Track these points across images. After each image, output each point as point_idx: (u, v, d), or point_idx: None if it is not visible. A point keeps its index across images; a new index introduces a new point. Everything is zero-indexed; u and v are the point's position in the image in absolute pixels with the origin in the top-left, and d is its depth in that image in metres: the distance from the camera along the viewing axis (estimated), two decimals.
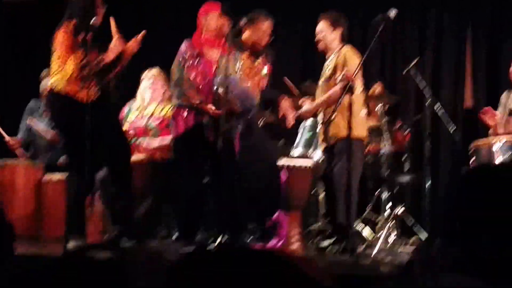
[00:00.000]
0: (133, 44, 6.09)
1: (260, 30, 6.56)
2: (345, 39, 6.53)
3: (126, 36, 6.10)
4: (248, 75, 6.52)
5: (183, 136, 6.24)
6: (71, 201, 6.30)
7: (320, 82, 6.59)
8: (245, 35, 6.59)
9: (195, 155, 6.23)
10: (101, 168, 6.38)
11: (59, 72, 5.93)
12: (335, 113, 5.95)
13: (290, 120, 6.60)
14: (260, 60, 6.64)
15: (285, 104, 6.61)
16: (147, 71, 7.10)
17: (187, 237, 6.26)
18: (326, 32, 6.45)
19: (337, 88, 6.28)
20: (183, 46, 6.28)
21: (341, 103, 5.91)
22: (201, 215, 6.39)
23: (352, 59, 6.30)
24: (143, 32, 6.14)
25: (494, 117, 6.71)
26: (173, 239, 6.55)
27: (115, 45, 6.02)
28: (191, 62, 6.20)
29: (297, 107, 6.69)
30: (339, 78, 6.29)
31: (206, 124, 6.14)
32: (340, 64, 6.35)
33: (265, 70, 6.67)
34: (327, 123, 6.40)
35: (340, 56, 6.38)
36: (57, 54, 5.98)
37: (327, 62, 6.54)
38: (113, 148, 6.13)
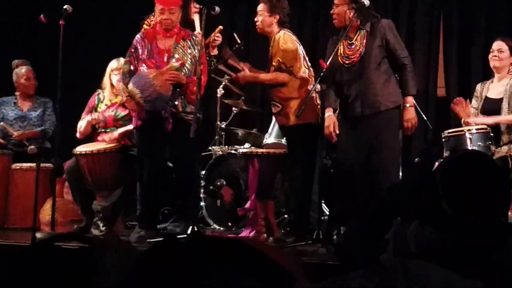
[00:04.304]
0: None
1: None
2: (285, 25, 6.46)
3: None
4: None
5: (141, 127, 6.28)
6: None
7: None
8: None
9: (154, 145, 6.22)
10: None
11: None
12: (301, 110, 5.97)
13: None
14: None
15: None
16: (114, 61, 7.03)
17: (147, 225, 6.26)
18: (263, 15, 6.42)
19: (271, 75, 6.38)
20: (135, 39, 6.29)
21: (309, 96, 5.96)
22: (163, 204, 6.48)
23: (285, 44, 6.30)
24: (219, 27, 6.48)
25: (466, 108, 6.71)
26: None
27: None
28: (140, 53, 6.18)
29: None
30: (274, 64, 6.32)
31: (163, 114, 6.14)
32: (273, 52, 6.35)
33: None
34: (277, 114, 6.47)
35: (274, 43, 6.37)
36: None
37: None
38: None
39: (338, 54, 6.06)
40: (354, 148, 6.01)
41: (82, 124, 7.00)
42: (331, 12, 6.10)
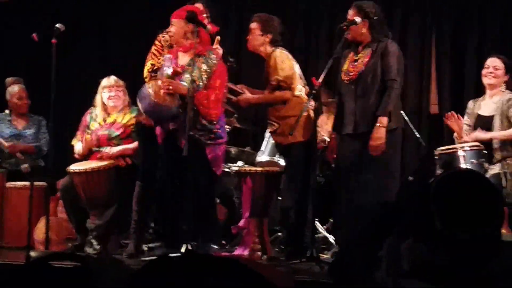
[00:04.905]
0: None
1: None
2: (277, 44, 6.45)
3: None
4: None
5: (161, 145, 6.23)
6: None
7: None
8: None
9: (170, 163, 6.16)
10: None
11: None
12: (294, 128, 5.97)
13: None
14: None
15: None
16: (105, 79, 7.03)
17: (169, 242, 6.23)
18: (255, 34, 6.41)
19: (275, 93, 6.34)
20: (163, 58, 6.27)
21: (301, 115, 5.95)
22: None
23: (283, 63, 6.30)
24: (217, 38, 6.36)
25: (458, 121, 6.73)
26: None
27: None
28: (164, 67, 6.16)
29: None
30: (273, 83, 6.31)
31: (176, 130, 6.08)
32: (272, 69, 6.33)
33: None
34: (273, 133, 6.47)
35: (270, 61, 6.36)
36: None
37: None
38: None
39: (342, 70, 6.08)
40: (348, 165, 6.01)
41: (78, 147, 7.00)
42: (343, 25, 6.05)
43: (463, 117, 6.82)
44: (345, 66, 6.09)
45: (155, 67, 6.32)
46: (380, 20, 6.06)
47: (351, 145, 6.02)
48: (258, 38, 6.41)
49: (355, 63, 6.03)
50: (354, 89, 6.00)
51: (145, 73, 6.40)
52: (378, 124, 5.87)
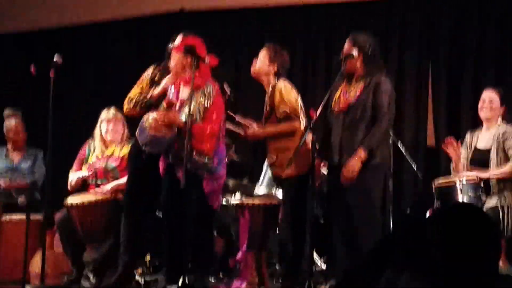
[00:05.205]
0: None
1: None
2: (282, 74, 6.45)
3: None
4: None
5: (163, 178, 6.17)
6: None
7: (263, 119, 6.52)
8: None
9: (171, 195, 6.12)
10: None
11: None
12: (291, 160, 5.95)
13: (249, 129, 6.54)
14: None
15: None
16: (105, 111, 7.04)
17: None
18: (263, 63, 6.42)
19: (281, 125, 6.31)
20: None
21: (300, 146, 5.90)
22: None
23: (289, 94, 6.30)
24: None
25: (457, 150, 6.70)
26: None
27: (165, 82, 6.18)
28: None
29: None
30: (280, 115, 6.29)
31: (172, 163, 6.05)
32: (277, 103, 6.32)
33: None
34: (272, 166, 6.44)
35: (275, 94, 6.34)
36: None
37: (266, 98, 6.50)
38: None
39: (334, 99, 6.05)
40: (336, 197, 5.98)
41: (73, 179, 6.99)
42: (341, 58, 6.04)
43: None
44: (336, 96, 6.07)
45: (130, 99, 6.28)
46: (375, 54, 6.04)
47: (337, 175, 5.96)
48: (264, 66, 6.41)
49: (347, 95, 6.01)
50: (342, 120, 5.97)
51: (125, 105, 6.37)
52: (355, 155, 5.77)
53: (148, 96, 6.19)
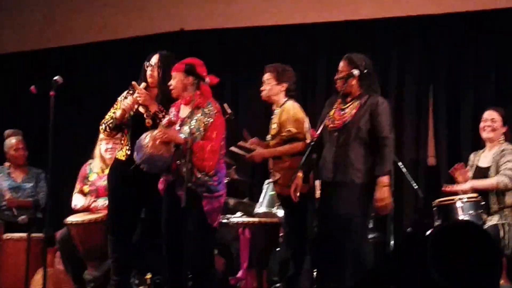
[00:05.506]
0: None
1: None
2: (291, 93, 6.49)
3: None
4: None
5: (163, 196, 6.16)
6: None
7: (268, 138, 6.54)
8: None
9: (170, 214, 6.11)
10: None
11: None
12: (292, 179, 5.95)
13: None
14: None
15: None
16: None
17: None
18: (271, 84, 6.46)
19: (287, 146, 6.32)
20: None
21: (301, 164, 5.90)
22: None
23: (296, 115, 6.32)
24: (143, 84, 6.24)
25: (465, 174, 6.72)
26: None
27: (125, 104, 6.17)
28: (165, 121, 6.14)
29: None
30: (286, 134, 6.31)
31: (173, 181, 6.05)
32: (284, 122, 6.34)
33: None
34: (275, 183, 6.45)
35: (283, 113, 6.38)
36: None
37: (272, 116, 6.52)
38: None
39: (328, 115, 6.05)
40: (326, 214, 5.97)
41: (77, 204, 7.01)
42: (335, 77, 6.08)
43: None
44: (331, 113, 6.07)
45: (102, 122, 6.28)
46: (370, 73, 6.05)
47: (329, 192, 5.96)
48: (274, 88, 6.45)
49: (342, 112, 6.02)
50: (336, 137, 5.97)
51: (100, 127, 6.34)
52: (379, 185, 5.77)
53: (113, 119, 6.21)
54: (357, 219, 5.80)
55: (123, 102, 6.19)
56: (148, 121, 6.14)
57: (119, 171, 6.18)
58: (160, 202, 5.99)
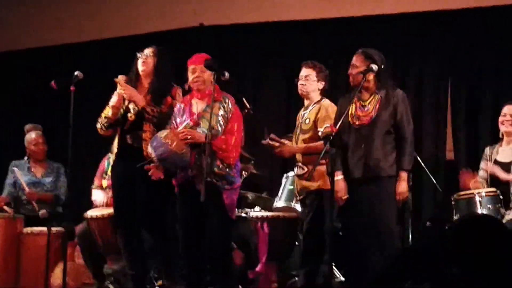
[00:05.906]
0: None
1: None
2: (325, 92, 6.57)
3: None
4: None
5: (178, 192, 6.17)
6: None
7: (298, 131, 6.57)
8: None
9: (187, 210, 6.12)
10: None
11: None
12: (315, 169, 5.95)
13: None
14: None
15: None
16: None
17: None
18: (310, 80, 6.48)
19: (319, 142, 6.32)
20: (175, 108, 6.24)
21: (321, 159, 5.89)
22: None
23: (333, 114, 6.30)
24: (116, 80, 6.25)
25: (472, 179, 6.72)
26: None
27: (113, 101, 6.25)
28: (178, 122, 6.13)
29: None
30: (321, 131, 6.32)
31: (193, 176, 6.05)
32: (321, 118, 6.37)
33: None
34: (301, 176, 6.44)
35: (321, 109, 6.40)
36: None
37: (304, 112, 6.54)
38: None
39: (349, 114, 6.03)
40: (356, 211, 5.96)
41: (96, 199, 7.06)
42: (349, 72, 6.07)
43: (478, 165, 6.84)
44: (352, 110, 6.04)
45: (97, 121, 6.32)
46: (386, 68, 6.04)
47: (359, 189, 5.95)
48: (313, 84, 6.52)
49: (364, 109, 6.00)
50: (364, 133, 5.95)
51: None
52: (400, 179, 5.82)
53: (107, 117, 6.26)
54: (393, 211, 5.86)
55: (111, 100, 6.22)
56: (131, 116, 6.17)
57: (120, 166, 6.24)
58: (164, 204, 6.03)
